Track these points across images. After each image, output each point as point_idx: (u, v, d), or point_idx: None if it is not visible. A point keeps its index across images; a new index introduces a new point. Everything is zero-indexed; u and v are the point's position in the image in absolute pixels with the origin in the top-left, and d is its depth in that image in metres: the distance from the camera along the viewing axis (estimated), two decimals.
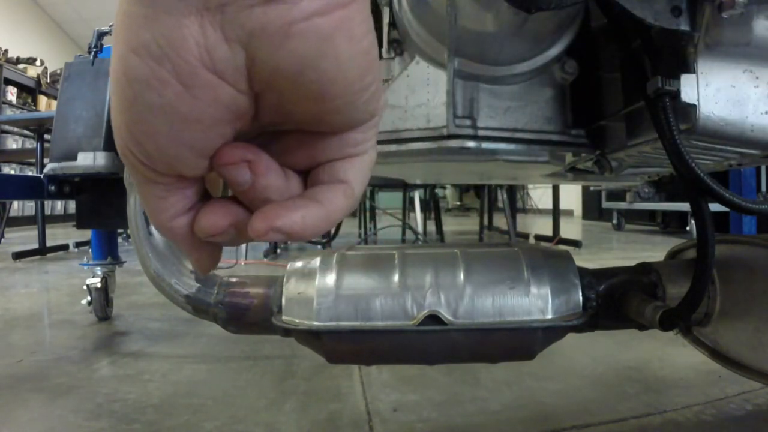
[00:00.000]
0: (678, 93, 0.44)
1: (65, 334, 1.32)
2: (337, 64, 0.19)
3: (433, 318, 0.54)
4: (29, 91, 6.18)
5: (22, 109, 5.87)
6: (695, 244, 0.50)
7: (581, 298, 0.57)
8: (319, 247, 2.70)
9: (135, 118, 0.19)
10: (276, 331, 0.59)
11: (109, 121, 1.16)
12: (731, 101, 0.44)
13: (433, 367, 0.91)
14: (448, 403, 0.86)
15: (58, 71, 6.22)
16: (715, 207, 0.46)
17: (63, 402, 0.88)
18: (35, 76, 6.21)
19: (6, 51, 5.85)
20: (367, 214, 3.35)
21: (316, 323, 0.54)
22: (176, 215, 0.22)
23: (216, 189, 0.25)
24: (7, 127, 5.18)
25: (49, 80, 6.34)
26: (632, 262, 0.64)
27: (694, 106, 0.44)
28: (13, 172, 5.16)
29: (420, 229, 3.24)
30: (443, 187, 6.81)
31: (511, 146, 0.56)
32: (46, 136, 2.79)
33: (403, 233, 3.31)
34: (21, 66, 6.06)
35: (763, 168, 3.22)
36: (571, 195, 6.54)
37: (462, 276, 0.56)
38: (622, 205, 4.78)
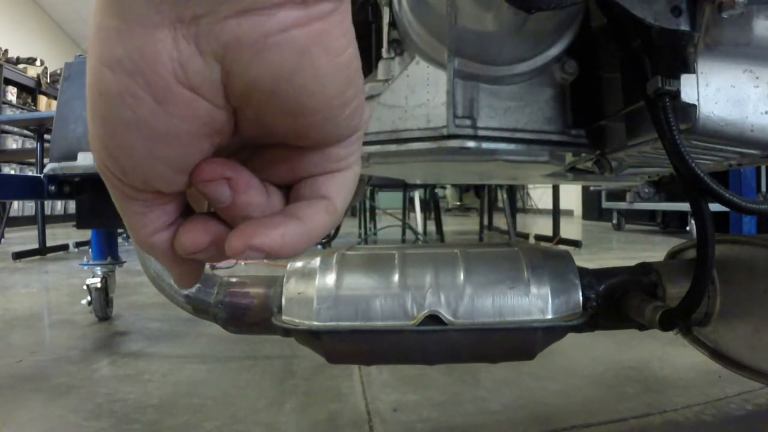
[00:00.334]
0: (678, 93, 0.44)
1: (65, 334, 1.32)
2: (315, 78, 0.18)
3: (433, 318, 0.54)
4: (29, 91, 6.19)
5: (22, 109, 5.87)
6: (695, 244, 0.50)
7: (581, 298, 0.57)
8: (319, 247, 2.70)
9: (110, 133, 0.18)
10: (276, 331, 0.59)
11: None
12: (731, 101, 0.44)
13: (433, 367, 0.91)
14: (448, 403, 0.86)
15: (58, 71, 6.22)
16: (715, 207, 0.46)
17: (63, 402, 0.88)
18: (35, 76, 6.21)
19: (6, 51, 5.85)
20: (367, 214, 3.35)
21: (316, 323, 0.54)
22: (156, 231, 0.22)
23: (199, 204, 0.24)
24: (7, 127, 5.18)
25: (49, 80, 6.34)
26: (632, 262, 0.64)
27: (694, 106, 0.44)
28: (13, 172, 5.17)
29: (420, 229, 3.24)
30: (443, 187, 6.81)
31: (511, 146, 0.56)
32: (46, 136, 2.79)
33: (403, 233, 3.31)
34: (21, 66, 6.06)
35: (763, 168, 3.22)
36: (571, 195, 6.54)
37: (462, 276, 0.56)
38: (622, 205, 4.78)
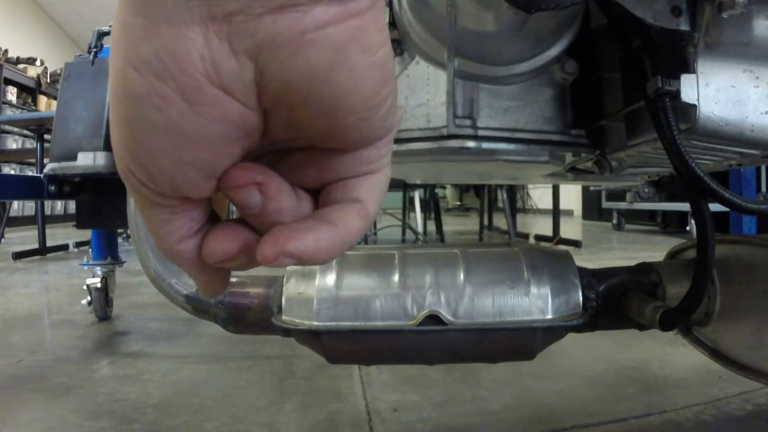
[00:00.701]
0: (678, 93, 0.44)
1: (65, 334, 1.32)
2: (352, 77, 0.18)
3: (433, 318, 0.54)
4: (29, 91, 6.18)
5: (22, 109, 5.87)
6: (695, 244, 0.50)
7: (581, 298, 0.57)
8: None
9: (136, 137, 0.17)
10: (276, 331, 0.59)
11: (109, 121, 1.16)
12: (731, 101, 0.44)
13: (433, 367, 0.91)
14: (448, 403, 0.86)
15: (58, 71, 6.23)
16: (715, 207, 0.46)
17: (63, 402, 0.88)
18: (35, 76, 6.21)
19: (6, 51, 5.86)
20: None
21: (316, 323, 0.54)
22: (182, 238, 0.21)
23: (222, 210, 0.24)
24: (7, 127, 5.18)
25: (49, 80, 6.34)
26: (632, 262, 0.64)
27: (694, 106, 0.44)
28: (13, 172, 5.17)
29: (420, 229, 3.24)
30: (443, 187, 6.81)
31: (511, 146, 0.56)
32: (46, 136, 2.79)
33: (403, 233, 3.31)
34: (21, 66, 6.06)
35: (763, 168, 3.22)
36: (571, 195, 6.54)
37: (462, 276, 0.56)
38: (622, 205, 4.78)
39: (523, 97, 0.57)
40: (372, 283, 0.56)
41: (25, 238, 4.07)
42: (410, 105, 0.57)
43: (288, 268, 0.61)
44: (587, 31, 0.56)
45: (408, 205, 3.40)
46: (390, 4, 0.60)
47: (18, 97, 5.99)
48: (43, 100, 6.27)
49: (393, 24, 0.61)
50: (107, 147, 1.15)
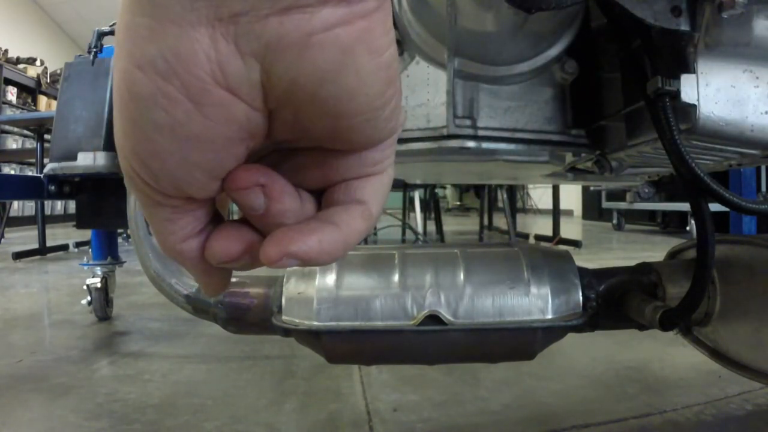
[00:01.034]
0: (678, 93, 0.44)
1: (65, 334, 1.32)
2: (358, 79, 0.18)
3: (433, 318, 0.54)
4: (29, 91, 6.18)
5: (22, 109, 5.87)
6: (695, 244, 0.50)
7: (581, 298, 0.57)
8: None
9: (141, 137, 0.17)
10: (276, 331, 0.59)
11: (109, 121, 1.16)
12: (731, 101, 0.44)
13: (433, 367, 0.91)
14: (448, 403, 0.86)
15: (58, 71, 6.22)
16: (715, 207, 0.46)
17: (63, 402, 0.88)
18: (35, 76, 6.21)
19: (6, 51, 5.86)
20: None
21: (316, 323, 0.55)
22: (185, 238, 0.21)
23: (225, 209, 0.24)
24: (7, 127, 5.18)
25: (49, 80, 6.34)
26: (632, 262, 0.64)
27: (694, 106, 0.44)
28: (13, 172, 5.17)
29: (420, 229, 3.24)
30: (443, 187, 6.81)
31: (511, 146, 0.56)
32: (46, 136, 2.79)
33: (403, 233, 3.31)
34: (21, 66, 6.06)
35: (763, 168, 3.22)
36: (571, 195, 6.54)
37: (462, 276, 0.56)
38: (622, 205, 4.78)
39: (523, 97, 0.57)
40: (372, 283, 0.56)
41: (25, 238, 4.07)
42: (410, 105, 0.57)
43: (288, 268, 0.61)
44: (587, 31, 0.56)
45: (408, 205, 3.40)
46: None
47: (18, 97, 5.99)
48: (43, 100, 6.27)
49: (393, 24, 0.61)
50: (107, 147, 1.15)
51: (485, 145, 0.55)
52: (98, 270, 1.39)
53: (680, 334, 0.69)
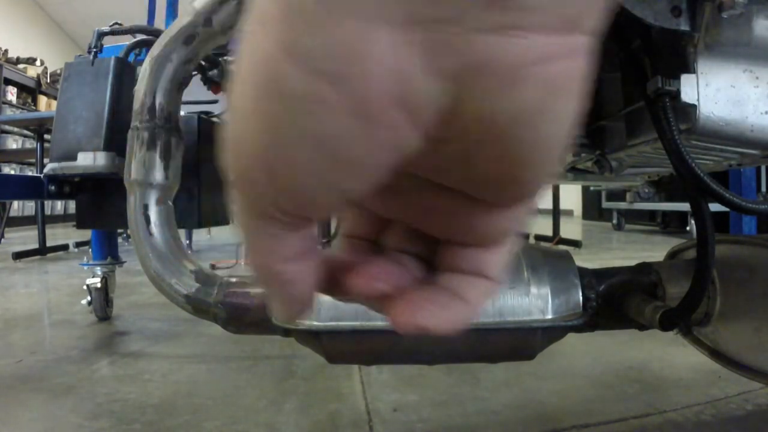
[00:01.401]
0: (678, 93, 0.44)
1: (65, 334, 1.32)
2: (556, 126, 0.15)
3: None
4: (29, 91, 6.19)
5: (22, 109, 5.87)
6: (695, 244, 0.50)
7: (581, 298, 0.57)
8: (319, 247, 2.70)
9: (273, 142, 0.14)
10: (276, 331, 0.59)
11: (109, 121, 1.16)
12: (731, 101, 0.44)
13: (433, 367, 0.91)
14: (448, 403, 0.86)
15: (58, 71, 6.23)
16: (715, 207, 0.46)
17: (63, 402, 0.88)
18: (35, 76, 6.21)
19: (6, 51, 5.86)
20: None
21: (316, 323, 0.55)
22: (288, 259, 0.18)
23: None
24: (7, 127, 5.18)
25: (49, 80, 6.34)
26: (632, 262, 0.64)
27: (694, 106, 0.44)
28: (13, 172, 5.17)
29: None
30: None
31: None
32: (46, 136, 2.79)
33: None
34: (21, 66, 6.06)
35: (763, 168, 3.22)
36: (571, 195, 6.54)
37: None
38: (622, 205, 4.78)
39: None
40: None
41: (25, 238, 4.07)
42: None
43: None
44: None
45: None
46: None
47: (18, 97, 5.99)
48: (43, 100, 6.27)
49: None
50: (107, 147, 1.15)
51: None
52: (98, 270, 1.40)
53: (680, 334, 0.69)
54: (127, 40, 1.28)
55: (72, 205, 3.51)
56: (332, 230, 2.98)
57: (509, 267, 0.58)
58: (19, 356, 1.13)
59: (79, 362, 1.09)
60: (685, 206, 3.91)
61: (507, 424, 0.79)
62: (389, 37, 0.13)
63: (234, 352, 1.15)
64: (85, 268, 1.42)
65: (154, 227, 0.68)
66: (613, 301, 0.59)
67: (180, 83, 0.72)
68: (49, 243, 3.09)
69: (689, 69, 0.44)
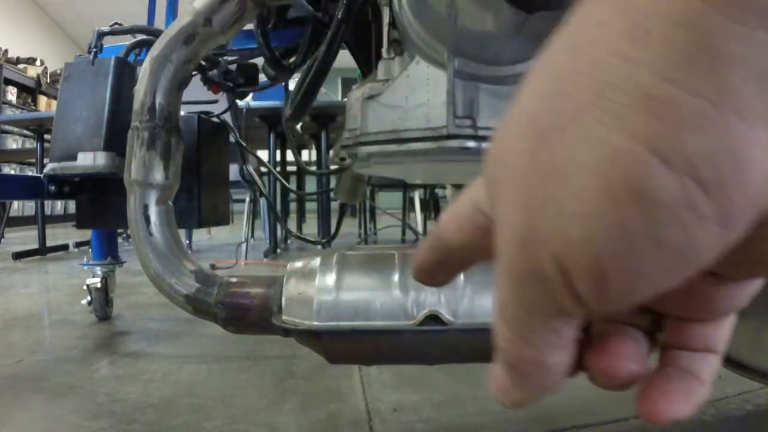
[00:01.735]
0: None
1: (65, 334, 1.32)
2: None
3: (433, 318, 0.54)
4: (29, 91, 6.18)
5: (22, 109, 5.87)
6: None
7: None
8: (318, 247, 2.70)
9: (616, 249, 0.12)
10: (276, 331, 0.59)
11: (109, 121, 1.16)
12: None
13: (433, 367, 0.91)
14: (448, 403, 0.86)
15: (58, 71, 6.23)
16: None
17: (63, 402, 0.88)
18: (35, 76, 6.21)
19: (6, 51, 5.86)
20: (367, 215, 3.35)
21: (316, 323, 0.55)
22: (556, 349, 0.16)
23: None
24: (7, 127, 5.18)
25: (49, 80, 6.34)
26: None
27: None
28: (13, 172, 5.17)
29: (420, 229, 3.24)
30: (443, 187, 6.81)
31: None
32: (46, 136, 2.79)
33: (403, 233, 3.31)
34: (21, 66, 6.06)
35: None
36: None
37: (462, 276, 0.56)
38: None
39: None
40: (372, 283, 0.56)
41: (25, 238, 4.07)
42: (410, 105, 0.57)
43: (288, 267, 0.61)
44: None
45: (408, 205, 3.40)
46: (390, 4, 0.60)
47: (18, 97, 5.99)
48: (43, 100, 6.27)
49: (393, 24, 0.61)
50: (107, 147, 1.15)
51: (485, 145, 0.55)
52: (98, 270, 1.39)
53: None
54: (127, 40, 1.28)
55: (72, 205, 3.51)
56: (332, 230, 2.98)
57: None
58: (19, 356, 1.13)
59: (79, 362, 1.09)
60: None
61: (507, 424, 0.79)
62: (766, 140, 0.11)
63: (234, 352, 1.15)
64: (85, 268, 1.42)
65: (154, 227, 0.68)
66: None
67: (180, 83, 0.72)
68: (49, 243, 3.09)
69: None
